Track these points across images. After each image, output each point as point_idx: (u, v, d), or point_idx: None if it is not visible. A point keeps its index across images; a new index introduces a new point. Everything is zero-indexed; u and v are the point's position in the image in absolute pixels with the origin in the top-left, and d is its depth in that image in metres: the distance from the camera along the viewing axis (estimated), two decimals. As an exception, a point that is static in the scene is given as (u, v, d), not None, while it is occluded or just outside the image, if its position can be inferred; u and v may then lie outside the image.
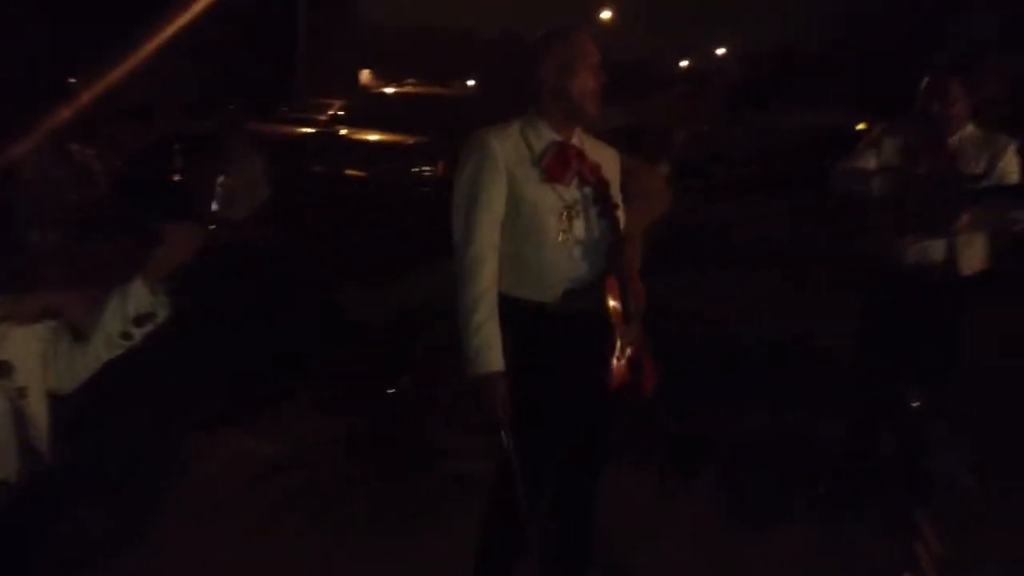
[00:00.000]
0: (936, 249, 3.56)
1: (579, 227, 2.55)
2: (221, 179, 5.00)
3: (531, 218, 2.53)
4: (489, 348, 2.47)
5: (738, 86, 22.85)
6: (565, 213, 2.53)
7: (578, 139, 2.65)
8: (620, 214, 2.61)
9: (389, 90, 13.61)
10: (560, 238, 2.52)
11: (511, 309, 2.52)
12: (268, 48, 19.98)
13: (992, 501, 3.29)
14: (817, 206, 7.07)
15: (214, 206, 4.91)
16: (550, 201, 2.54)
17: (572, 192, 2.56)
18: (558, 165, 2.54)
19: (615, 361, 2.55)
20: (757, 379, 5.12)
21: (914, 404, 3.29)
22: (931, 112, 3.62)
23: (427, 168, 10.11)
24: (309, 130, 12.13)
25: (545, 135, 2.58)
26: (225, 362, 4.73)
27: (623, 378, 2.58)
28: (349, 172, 10.03)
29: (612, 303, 2.54)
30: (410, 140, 10.46)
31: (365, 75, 34.40)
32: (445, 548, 3.33)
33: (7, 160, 4.60)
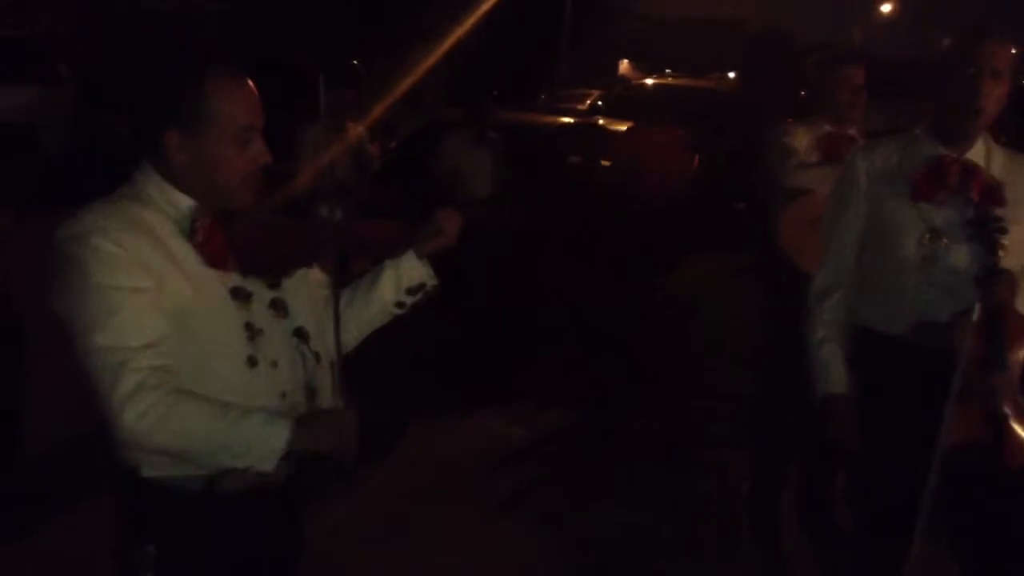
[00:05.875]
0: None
1: (943, 253, 2.24)
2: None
3: (887, 239, 2.30)
4: (828, 367, 2.33)
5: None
6: (928, 235, 2.24)
7: (983, 155, 2.29)
8: (1008, 240, 2.20)
9: (648, 81, 13.44)
10: (919, 263, 2.24)
11: (858, 339, 2.32)
12: (533, 40, 20.46)
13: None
14: None
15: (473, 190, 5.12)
16: (911, 221, 2.27)
17: (944, 213, 2.25)
18: (927, 181, 2.26)
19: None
20: None
21: None
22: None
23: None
24: (568, 120, 12.20)
25: (926, 148, 2.30)
26: (475, 345, 4.82)
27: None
28: (604, 162, 9.97)
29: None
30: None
31: (624, 65, 34.39)
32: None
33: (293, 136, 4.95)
